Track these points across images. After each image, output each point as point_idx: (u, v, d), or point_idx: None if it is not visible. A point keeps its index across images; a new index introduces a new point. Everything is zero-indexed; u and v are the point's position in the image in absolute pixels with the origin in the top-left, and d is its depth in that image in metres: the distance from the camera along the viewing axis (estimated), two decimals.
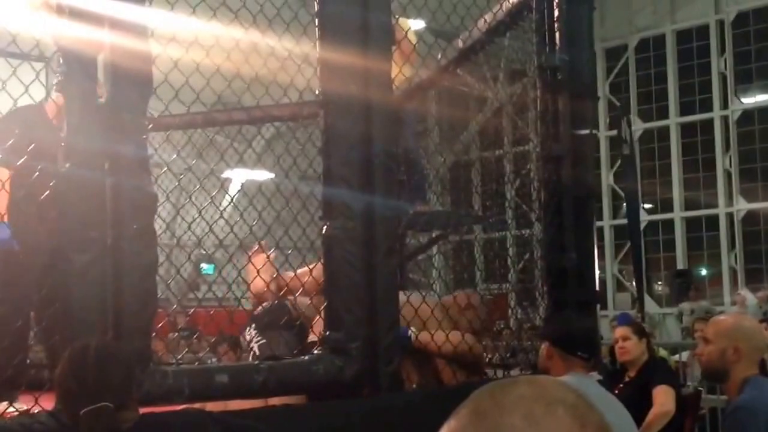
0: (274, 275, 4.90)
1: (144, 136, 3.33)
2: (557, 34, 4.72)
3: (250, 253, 4.90)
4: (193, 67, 3.84)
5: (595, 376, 4.00)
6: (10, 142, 3.86)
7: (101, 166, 3.18)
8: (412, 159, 5.58)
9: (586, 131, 4.69)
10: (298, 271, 4.56)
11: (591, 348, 3.92)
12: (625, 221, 12.94)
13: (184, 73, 3.72)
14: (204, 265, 14.83)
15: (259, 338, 4.60)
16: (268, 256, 4.81)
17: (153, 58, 3.38)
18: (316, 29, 3.88)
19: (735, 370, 3.50)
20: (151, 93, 3.35)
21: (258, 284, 4.72)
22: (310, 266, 4.33)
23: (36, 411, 3.08)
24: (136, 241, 3.21)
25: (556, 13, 4.73)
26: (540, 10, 4.77)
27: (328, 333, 3.73)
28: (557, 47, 4.71)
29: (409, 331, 4.45)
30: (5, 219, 4.11)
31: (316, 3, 3.90)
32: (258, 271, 4.47)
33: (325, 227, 3.78)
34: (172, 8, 3.64)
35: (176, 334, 10.15)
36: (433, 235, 6.35)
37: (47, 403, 3.09)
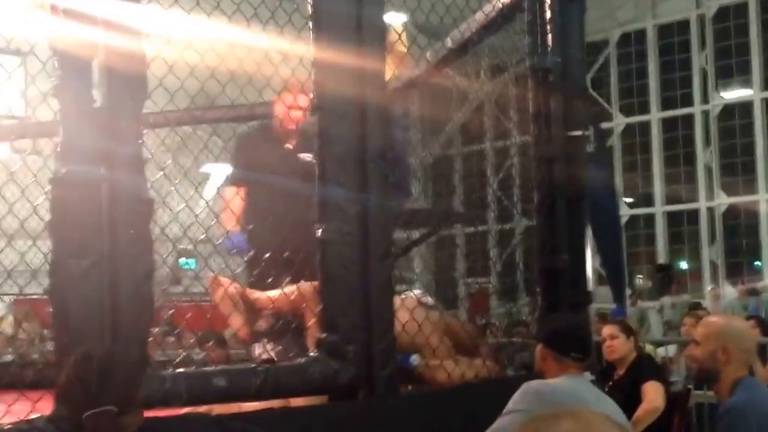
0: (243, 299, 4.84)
1: (140, 141, 3.31)
2: (549, 36, 4.73)
3: (210, 289, 4.87)
4: (185, 67, 3.82)
5: (588, 376, 4.01)
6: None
7: (97, 170, 3.16)
8: (398, 156, 5.58)
9: (579, 132, 4.70)
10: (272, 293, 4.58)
11: (585, 348, 3.93)
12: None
13: (178, 76, 3.71)
14: (185, 260, 14.76)
15: (272, 346, 4.58)
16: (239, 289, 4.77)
17: (148, 61, 3.36)
18: (310, 30, 3.87)
19: (725, 372, 3.52)
20: (146, 96, 3.33)
21: (234, 322, 4.71)
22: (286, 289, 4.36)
23: (33, 416, 3.05)
24: (132, 246, 3.20)
25: (548, 14, 4.74)
26: (532, 11, 4.78)
27: (324, 336, 3.73)
28: (549, 48, 4.72)
29: (414, 359, 4.46)
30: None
31: (309, 4, 3.89)
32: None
33: (320, 231, 3.78)
34: (168, 7, 3.62)
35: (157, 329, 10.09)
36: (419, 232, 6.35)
37: (44, 407, 3.08)
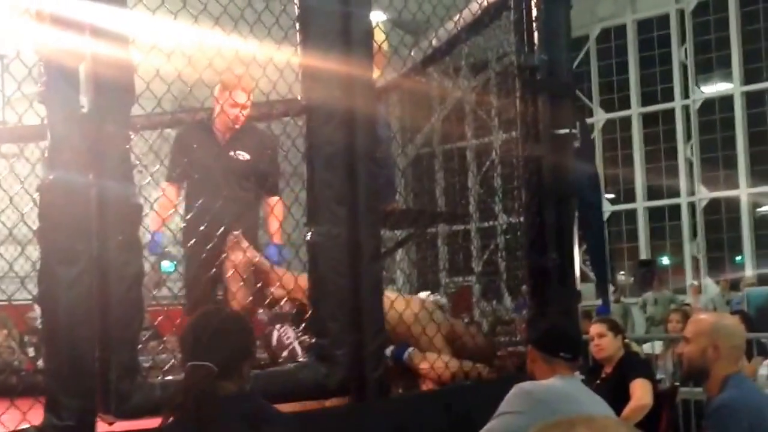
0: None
1: (127, 146, 3.28)
2: (536, 34, 4.72)
3: (228, 250, 4.82)
4: (172, 70, 3.79)
5: (579, 376, 4.02)
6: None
7: (85, 176, 3.13)
8: (384, 156, 5.56)
9: (566, 131, 4.70)
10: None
11: (574, 348, 3.93)
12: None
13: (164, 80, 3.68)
14: (166, 263, 14.64)
15: (301, 334, 4.53)
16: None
17: (135, 67, 3.33)
18: (297, 32, 3.85)
19: (715, 369, 3.54)
20: (133, 102, 3.31)
21: (239, 294, 4.66)
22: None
23: (24, 426, 3.03)
24: (121, 252, 3.17)
25: (534, 12, 4.73)
26: (518, 10, 4.77)
27: (314, 340, 3.72)
28: (536, 47, 4.72)
29: (407, 353, 4.46)
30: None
31: (296, 5, 3.87)
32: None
33: (309, 234, 3.76)
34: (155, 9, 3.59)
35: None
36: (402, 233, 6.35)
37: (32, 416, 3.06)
